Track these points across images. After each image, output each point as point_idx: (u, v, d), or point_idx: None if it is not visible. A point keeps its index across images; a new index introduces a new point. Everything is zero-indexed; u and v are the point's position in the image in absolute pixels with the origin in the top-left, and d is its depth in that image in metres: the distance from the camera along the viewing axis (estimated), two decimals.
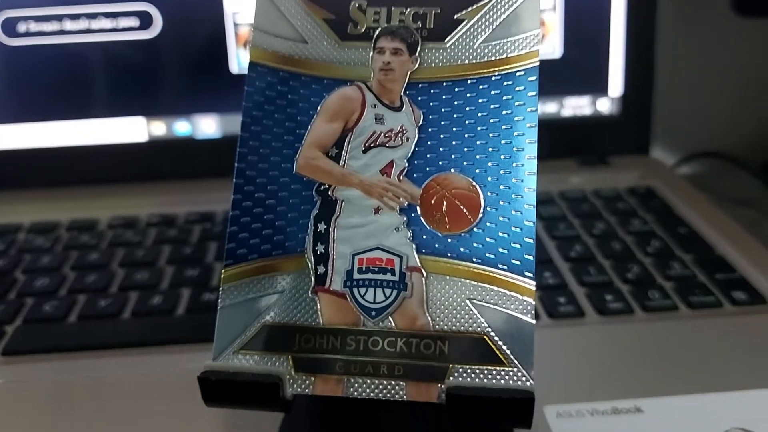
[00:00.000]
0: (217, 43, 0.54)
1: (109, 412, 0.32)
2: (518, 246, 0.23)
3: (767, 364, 0.33)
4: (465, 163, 0.23)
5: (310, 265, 0.23)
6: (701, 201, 0.49)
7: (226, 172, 0.45)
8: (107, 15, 0.53)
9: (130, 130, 0.55)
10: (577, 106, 0.56)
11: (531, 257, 0.22)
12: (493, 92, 0.24)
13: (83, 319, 0.39)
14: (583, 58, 0.55)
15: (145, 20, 0.53)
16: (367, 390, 0.22)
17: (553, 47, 0.54)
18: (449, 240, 0.23)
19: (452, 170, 0.23)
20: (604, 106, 0.56)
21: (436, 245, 0.23)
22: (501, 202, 0.23)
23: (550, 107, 0.56)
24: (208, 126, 0.56)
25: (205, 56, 0.54)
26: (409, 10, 0.25)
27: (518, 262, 0.22)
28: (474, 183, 0.23)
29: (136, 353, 0.37)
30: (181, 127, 0.56)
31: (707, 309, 0.38)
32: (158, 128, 0.55)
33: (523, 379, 0.22)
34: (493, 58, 0.24)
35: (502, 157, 0.23)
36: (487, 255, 0.23)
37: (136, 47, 0.53)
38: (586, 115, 0.56)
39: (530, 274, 0.22)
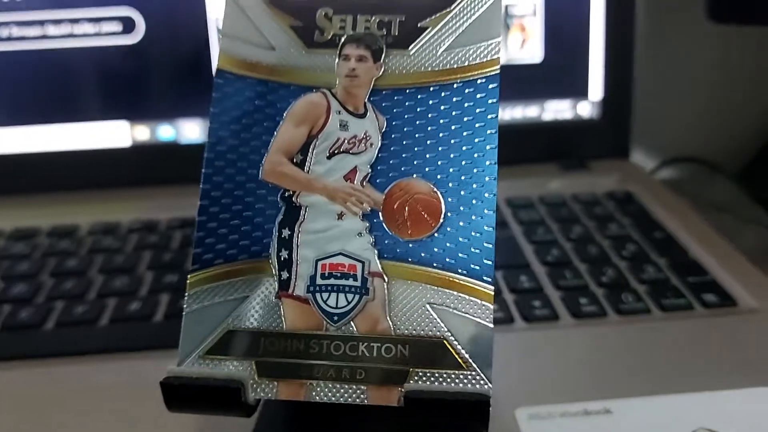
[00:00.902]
0: (200, 48, 0.54)
1: (87, 419, 0.33)
2: (478, 251, 0.23)
3: (735, 365, 0.34)
4: (427, 169, 0.24)
5: (274, 270, 0.24)
6: (678, 206, 0.49)
7: None
8: (90, 20, 0.53)
9: (114, 134, 0.55)
10: (557, 110, 0.56)
11: (490, 262, 0.23)
12: (454, 99, 0.24)
13: (60, 326, 0.39)
14: (564, 62, 0.55)
15: (128, 25, 0.53)
16: (329, 394, 0.22)
17: (533, 52, 0.54)
18: (410, 245, 0.23)
19: (414, 176, 0.24)
20: (585, 110, 0.56)
21: (398, 250, 0.23)
22: (461, 207, 0.23)
23: (531, 111, 0.56)
24: (191, 131, 0.56)
25: (188, 61, 0.54)
26: (374, 17, 0.25)
27: (477, 267, 0.23)
28: (435, 188, 0.24)
29: (113, 359, 0.37)
30: (165, 132, 0.56)
31: (679, 311, 0.38)
32: (142, 133, 0.56)
33: (481, 382, 0.22)
34: (455, 66, 0.24)
35: (463, 162, 0.24)
36: (447, 260, 0.23)
37: (119, 52, 0.54)
38: (566, 119, 0.56)
39: (489, 279, 0.23)
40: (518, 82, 0.55)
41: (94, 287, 0.43)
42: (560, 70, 0.56)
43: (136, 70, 0.54)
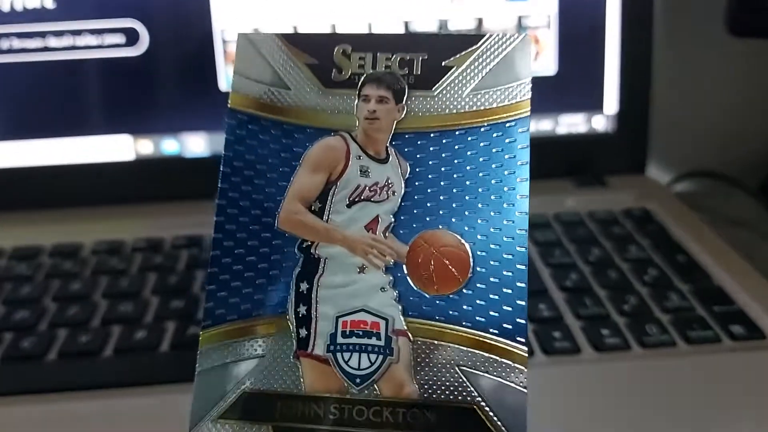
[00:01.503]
0: (205, 60, 0.52)
1: None
2: (509, 309, 0.21)
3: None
4: (453, 220, 0.22)
5: (291, 327, 0.22)
6: (698, 225, 0.48)
7: (215, 192, 0.44)
8: (92, 32, 0.52)
9: (116, 148, 0.54)
10: (572, 123, 0.55)
11: (523, 321, 0.21)
12: (482, 144, 0.23)
13: (63, 357, 0.38)
14: (578, 74, 0.54)
15: (132, 37, 0.52)
16: None
17: (547, 64, 0.53)
18: (437, 301, 0.22)
19: (440, 227, 0.22)
20: (600, 123, 0.55)
21: (424, 307, 0.22)
22: (491, 262, 0.22)
23: (544, 125, 0.54)
24: (196, 144, 0.54)
25: (193, 73, 0.53)
26: (395, 56, 0.24)
27: (509, 326, 0.21)
28: (463, 241, 0.22)
29: (117, 395, 0.35)
30: (169, 146, 0.54)
31: (706, 344, 0.37)
32: (145, 147, 0.54)
33: None
34: (482, 108, 0.23)
35: (492, 213, 0.22)
36: (477, 318, 0.22)
37: (123, 64, 0.52)
38: (581, 133, 0.55)
39: (522, 339, 0.21)
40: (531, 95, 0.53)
41: (98, 313, 0.41)
42: (575, 83, 0.54)
43: (140, 82, 0.53)
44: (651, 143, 0.55)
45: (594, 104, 0.54)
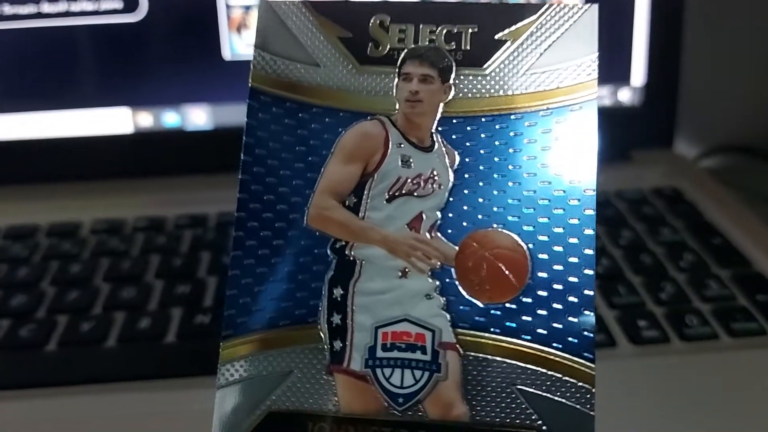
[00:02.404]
0: (208, 27, 0.49)
1: None
2: (575, 320, 0.19)
3: None
4: (509, 218, 0.20)
5: (324, 338, 0.20)
6: (732, 204, 0.46)
7: (217, 167, 0.41)
8: None
9: (115, 121, 0.51)
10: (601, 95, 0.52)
11: (591, 334, 0.19)
12: (541, 130, 0.20)
13: (64, 346, 0.36)
14: (604, 44, 0.51)
15: (130, 2, 0.49)
16: None
17: None
18: (491, 311, 0.19)
19: (494, 225, 0.20)
20: (626, 96, 0.52)
21: (476, 317, 0.19)
22: (554, 266, 0.19)
23: None
24: (198, 117, 0.52)
25: (194, 41, 0.50)
26: (440, 28, 0.21)
27: (575, 340, 0.19)
28: (520, 242, 0.20)
29: (121, 389, 0.33)
30: (170, 119, 0.51)
31: (751, 337, 0.34)
32: (145, 119, 0.51)
33: None
34: (541, 89, 0.20)
35: (554, 210, 0.20)
36: (538, 331, 0.19)
37: (120, 31, 0.49)
38: (606, 107, 0.52)
39: (589, 355, 0.19)
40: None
41: (100, 298, 0.39)
42: (600, 53, 0.51)
43: (139, 51, 0.50)
44: (678, 117, 0.52)
45: (620, 76, 0.51)
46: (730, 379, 0.32)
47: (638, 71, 0.51)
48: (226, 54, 0.50)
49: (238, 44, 0.50)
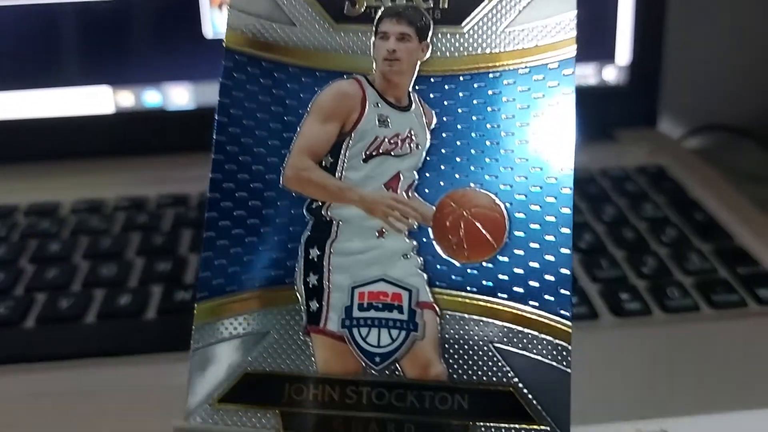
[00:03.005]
0: (189, 4, 0.49)
1: None
2: (551, 278, 0.19)
3: None
4: (487, 177, 0.20)
5: (300, 299, 0.19)
6: (715, 181, 0.46)
7: (199, 146, 0.40)
8: None
9: (95, 100, 0.50)
10: (581, 75, 0.51)
11: (567, 292, 0.19)
12: (519, 89, 0.20)
13: (42, 323, 0.35)
14: (589, 23, 0.50)
15: None
16: None
17: None
18: (468, 270, 0.19)
19: (471, 185, 0.20)
20: (611, 75, 0.52)
21: (453, 277, 0.19)
22: (531, 225, 0.19)
23: None
24: (180, 96, 0.51)
25: (175, 19, 0.49)
26: None
27: (552, 298, 0.19)
28: (498, 201, 0.19)
29: (99, 364, 0.33)
30: (151, 98, 0.51)
31: (731, 309, 0.34)
32: (126, 99, 0.51)
33: None
34: (520, 47, 0.20)
35: (532, 169, 0.19)
36: (515, 289, 0.19)
37: (99, 8, 0.48)
38: (591, 86, 0.52)
39: (566, 313, 0.19)
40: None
41: (79, 276, 0.39)
42: (585, 32, 0.50)
43: (119, 29, 0.49)
44: (662, 96, 0.52)
45: (605, 54, 0.51)
46: (711, 350, 0.32)
47: (623, 50, 0.51)
48: (208, 32, 0.49)
49: (219, 22, 0.49)
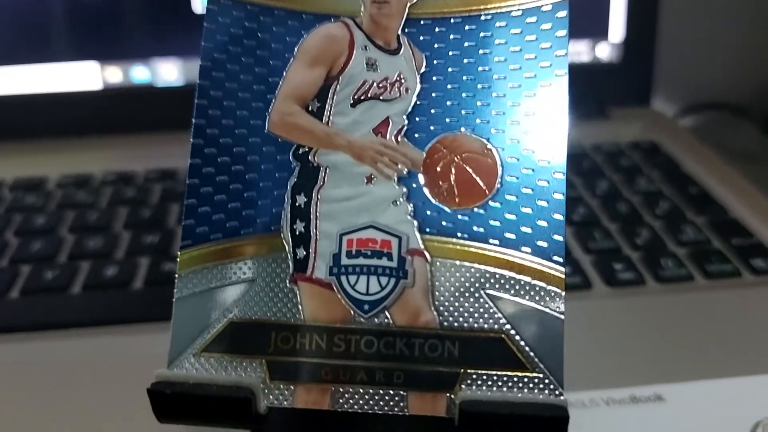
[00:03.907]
0: None
1: (54, 404, 0.28)
2: (544, 224, 0.18)
3: None
4: (478, 121, 0.19)
5: (287, 247, 0.19)
6: (709, 157, 0.45)
7: (189, 124, 0.40)
8: None
9: (82, 76, 0.49)
10: (574, 52, 0.51)
11: (560, 237, 0.18)
12: (512, 31, 0.19)
13: (27, 294, 0.35)
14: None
15: None
16: (360, 402, 0.18)
17: None
18: (459, 216, 0.19)
19: (462, 129, 0.19)
20: (604, 52, 0.51)
21: (443, 223, 0.19)
22: (523, 170, 0.19)
23: None
24: (169, 72, 0.50)
25: None
26: None
27: (545, 244, 0.18)
28: (489, 145, 0.19)
29: (86, 334, 0.32)
30: (139, 74, 0.50)
31: (725, 279, 0.34)
32: (114, 75, 0.50)
33: (551, 387, 0.18)
34: None
35: (525, 113, 0.19)
36: (507, 235, 0.18)
37: None
38: (583, 63, 0.51)
39: (559, 259, 0.18)
40: None
41: (65, 248, 0.38)
42: (578, 7, 0.50)
43: (107, 3, 0.48)
44: (656, 74, 0.52)
45: (598, 31, 0.51)
46: (705, 318, 0.32)
47: (616, 27, 0.51)
48: (197, 7, 0.48)
49: None
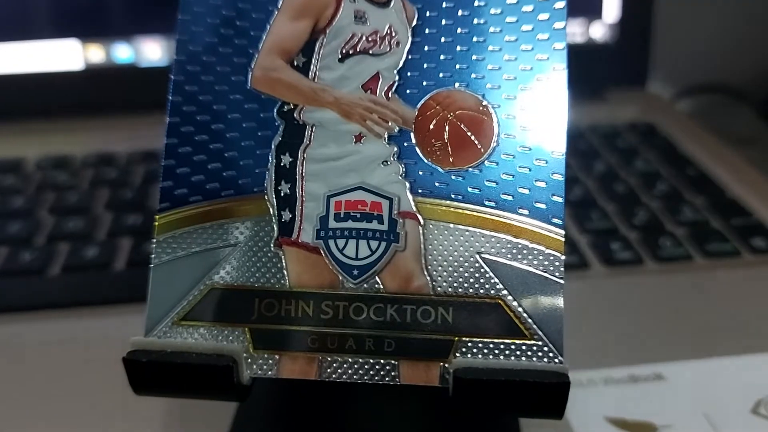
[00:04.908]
0: None
1: (34, 387, 0.27)
2: (543, 184, 0.17)
3: None
4: (473, 76, 0.18)
5: (271, 209, 0.18)
6: (706, 138, 0.45)
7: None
8: None
9: (63, 55, 0.48)
10: (568, 32, 0.50)
11: (560, 199, 0.17)
12: None
13: (3, 276, 0.33)
14: None
15: None
16: (349, 371, 0.17)
17: None
18: (453, 177, 0.18)
19: (456, 85, 0.18)
20: (599, 32, 0.50)
21: (437, 184, 0.18)
22: (520, 127, 0.18)
23: None
24: (152, 51, 0.49)
25: None
26: None
27: (543, 206, 0.17)
28: (485, 101, 0.18)
29: (65, 315, 0.31)
30: (122, 53, 0.49)
31: (724, 258, 0.33)
32: (95, 54, 0.49)
33: (551, 355, 0.17)
34: None
35: (521, 67, 0.18)
36: (503, 196, 0.17)
37: None
38: (578, 43, 0.50)
39: (558, 221, 0.17)
40: None
41: (43, 230, 0.37)
42: None
43: None
44: (652, 56, 0.51)
45: (593, 10, 0.50)
46: (705, 297, 0.31)
47: (611, 6, 0.50)
48: None
49: None
